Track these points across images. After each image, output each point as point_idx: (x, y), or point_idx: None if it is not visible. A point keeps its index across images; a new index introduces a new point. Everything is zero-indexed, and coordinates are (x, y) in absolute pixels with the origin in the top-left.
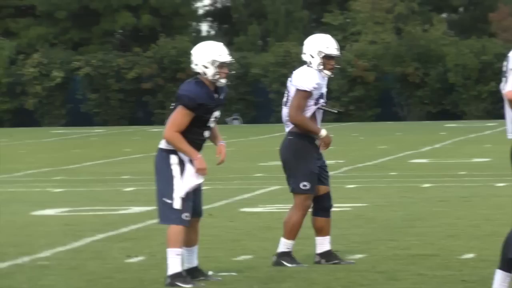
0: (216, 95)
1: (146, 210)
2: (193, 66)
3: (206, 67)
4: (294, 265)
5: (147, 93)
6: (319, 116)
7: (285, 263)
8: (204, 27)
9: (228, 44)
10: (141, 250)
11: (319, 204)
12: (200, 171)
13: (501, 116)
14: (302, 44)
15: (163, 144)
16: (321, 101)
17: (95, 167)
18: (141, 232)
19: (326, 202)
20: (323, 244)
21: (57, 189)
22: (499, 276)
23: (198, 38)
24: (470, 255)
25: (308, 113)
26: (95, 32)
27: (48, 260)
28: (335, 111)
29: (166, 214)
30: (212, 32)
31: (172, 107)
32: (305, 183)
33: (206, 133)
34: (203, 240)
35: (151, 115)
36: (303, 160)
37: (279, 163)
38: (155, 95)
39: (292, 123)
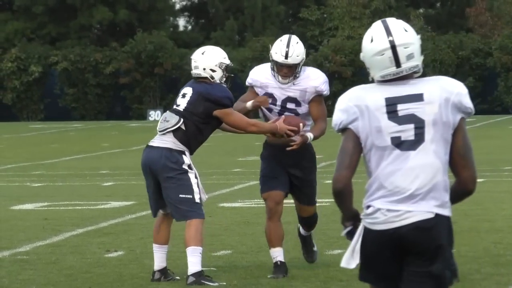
0: None
1: (125, 204)
2: (198, 71)
3: (214, 71)
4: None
5: (124, 87)
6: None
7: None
8: (181, 22)
9: (205, 39)
10: (120, 245)
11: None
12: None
13: (479, 111)
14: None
15: (170, 144)
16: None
17: (73, 161)
18: (120, 227)
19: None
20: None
21: (36, 184)
22: None
23: (175, 33)
24: None
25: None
26: (73, 27)
27: (28, 255)
28: None
29: (189, 209)
30: (189, 27)
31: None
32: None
33: None
34: (182, 235)
35: (129, 110)
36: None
37: (258, 158)
38: (133, 90)
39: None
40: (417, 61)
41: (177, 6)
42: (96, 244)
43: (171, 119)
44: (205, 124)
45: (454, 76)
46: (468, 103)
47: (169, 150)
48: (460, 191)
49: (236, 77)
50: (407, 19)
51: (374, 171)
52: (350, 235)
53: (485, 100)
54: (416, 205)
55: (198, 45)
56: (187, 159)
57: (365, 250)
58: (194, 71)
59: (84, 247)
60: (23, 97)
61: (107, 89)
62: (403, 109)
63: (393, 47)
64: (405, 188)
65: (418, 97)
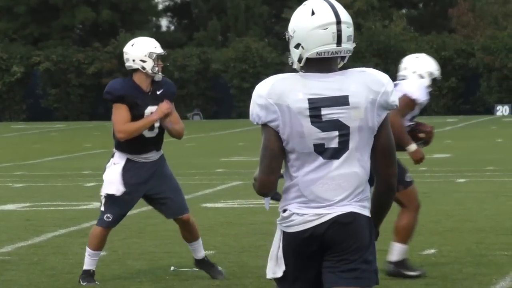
0: (149, 90)
1: None
2: (129, 64)
3: (144, 61)
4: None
5: None
6: None
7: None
8: (164, 22)
9: (188, 40)
10: None
11: None
12: None
13: (461, 112)
14: (262, 40)
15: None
16: None
17: (55, 162)
18: None
19: None
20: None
21: (18, 184)
22: None
23: (158, 33)
24: (431, 251)
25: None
26: (55, 27)
27: (9, 255)
28: None
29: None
30: (172, 28)
31: None
32: (407, 174)
33: (147, 133)
34: (164, 235)
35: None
36: None
37: (241, 158)
38: None
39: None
40: (352, 45)
41: (160, 7)
42: (78, 244)
43: None
44: None
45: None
46: (394, 100)
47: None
48: (383, 192)
49: (219, 77)
50: (390, 20)
51: (294, 176)
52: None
53: (468, 100)
54: (332, 209)
55: (181, 46)
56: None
57: (287, 254)
58: (126, 64)
59: (66, 247)
60: (5, 98)
61: (90, 90)
62: (327, 113)
63: (339, 23)
64: (326, 200)
65: (343, 101)
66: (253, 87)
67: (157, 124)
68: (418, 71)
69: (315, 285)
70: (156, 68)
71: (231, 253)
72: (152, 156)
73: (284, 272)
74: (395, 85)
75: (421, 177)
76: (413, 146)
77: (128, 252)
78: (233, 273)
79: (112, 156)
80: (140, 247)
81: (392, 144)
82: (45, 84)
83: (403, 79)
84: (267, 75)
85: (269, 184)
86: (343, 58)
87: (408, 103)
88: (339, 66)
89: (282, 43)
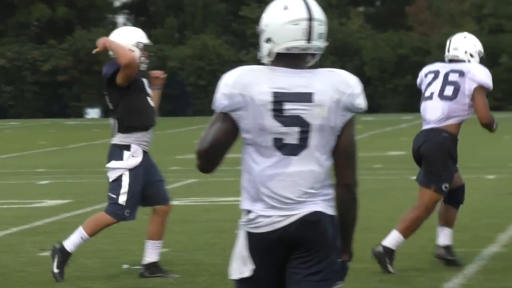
0: None
1: (60, 203)
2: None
3: (131, 51)
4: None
5: (62, 85)
6: None
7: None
8: (121, 19)
9: None
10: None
11: (454, 196)
12: None
13: (417, 109)
14: (219, 37)
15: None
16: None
17: (9, 160)
18: (55, 226)
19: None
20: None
21: None
22: None
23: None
24: None
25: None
26: (10, 24)
27: None
28: None
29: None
30: (129, 25)
31: None
32: (447, 184)
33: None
34: (118, 233)
35: (67, 108)
36: (451, 162)
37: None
38: (71, 87)
39: (486, 123)
40: (323, 44)
41: (117, 4)
42: (30, 243)
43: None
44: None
45: (393, 74)
46: (360, 103)
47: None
48: (342, 194)
49: (175, 75)
50: (347, 18)
51: (252, 170)
52: None
53: None
54: (297, 209)
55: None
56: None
57: (253, 254)
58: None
59: (19, 246)
60: None
61: (45, 87)
62: (290, 108)
63: (310, 19)
64: (283, 196)
65: (307, 98)
66: (210, 85)
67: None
68: (469, 51)
69: (277, 286)
70: (142, 58)
71: (185, 251)
72: (151, 137)
73: (251, 271)
74: (462, 71)
75: (376, 174)
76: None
77: (81, 250)
78: (187, 271)
79: (124, 148)
80: (93, 245)
81: (353, 147)
82: (0, 82)
83: (457, 60)
84: (224, 73)
85: (208, 172)
86: (313, 55)
87: (484, 92)
88: (310, 64)
89: (239, 41)
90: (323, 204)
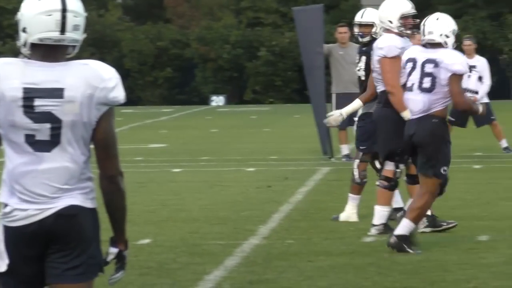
0: None
1: None
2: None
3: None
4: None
5: None
6: None
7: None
8: None
9: None
10: None
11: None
12: None
13: (176, 102)
14: None
15: None
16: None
17: None
18: None
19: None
20: None
21: None
22: None
23: None
24: (146, 241)
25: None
26: None
27: None
28: None
29: None
30: None
31: None
32: (445, 167)
33: None
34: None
35: None
36: (445, 145)
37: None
38: None
39: (462, 109)
40: (80, 36)
41: None
42: None
43: None
44: None
45: (152, 66)
46: (116, 96)
47: None
48: (106, 185)
49: None
50: (106, 9)
51: (9, 165)
52: None
53: (183, 90)
54: (53, 203)
55: None
56: None
57: (9, 248)
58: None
59: None
60: None
61: None
62: (40, 105)
63: (64, 10)
64: (36, 193)
65: (57, 93)
66: None
67: None
68: (444, 32)
69: (36, 280)
70: None
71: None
72: None
73: (8, 266)
74: (436, 62)
75: (137, 166)
76: (481, 108)
77: None
78: None
79: None
80: None
81: (112, 139)
82: None
83: (432, 43)
84: None
85: None
86: (74, 47)
87: (459, 79)
88: (71, 55)
89: None
90: (81, 198)
